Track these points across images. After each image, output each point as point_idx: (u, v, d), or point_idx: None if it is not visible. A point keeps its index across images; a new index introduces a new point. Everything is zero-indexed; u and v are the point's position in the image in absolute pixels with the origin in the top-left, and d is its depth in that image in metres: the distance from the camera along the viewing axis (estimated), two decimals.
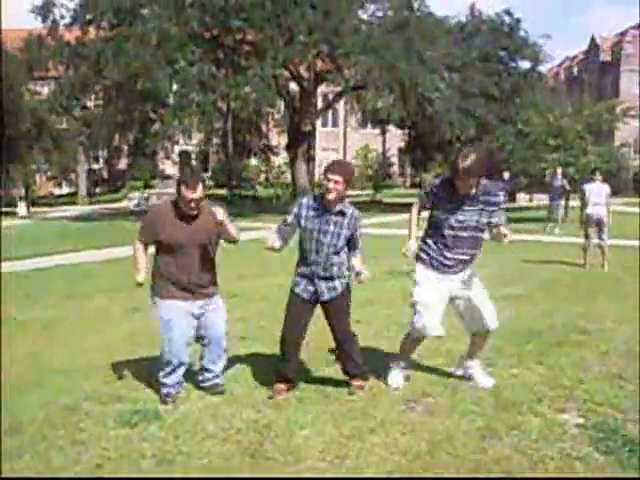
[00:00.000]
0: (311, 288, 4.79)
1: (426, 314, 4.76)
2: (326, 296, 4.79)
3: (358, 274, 4.75)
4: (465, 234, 4.67)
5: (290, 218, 4.79)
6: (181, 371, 4.83)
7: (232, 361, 5.53)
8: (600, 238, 11.28)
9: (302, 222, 4.74)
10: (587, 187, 11.67)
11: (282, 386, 4.86)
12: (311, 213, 4.73)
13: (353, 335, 4.97)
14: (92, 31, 27.59)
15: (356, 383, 4.90)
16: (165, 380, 4.81)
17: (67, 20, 27.86)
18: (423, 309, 4.77)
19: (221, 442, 4.07)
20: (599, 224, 11.30)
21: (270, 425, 4.30)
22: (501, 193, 4.72)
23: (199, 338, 4.92)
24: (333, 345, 5.06)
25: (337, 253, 4.74)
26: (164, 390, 4.81)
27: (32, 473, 3.73)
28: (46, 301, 8.90)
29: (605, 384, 4.91)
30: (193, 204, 4.58)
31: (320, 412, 4.50)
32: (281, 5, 24.33)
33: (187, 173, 4.82)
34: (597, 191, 11.47)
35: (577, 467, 3.66)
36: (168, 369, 4.79)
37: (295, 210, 4.78)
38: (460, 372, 5.17)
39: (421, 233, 4.92)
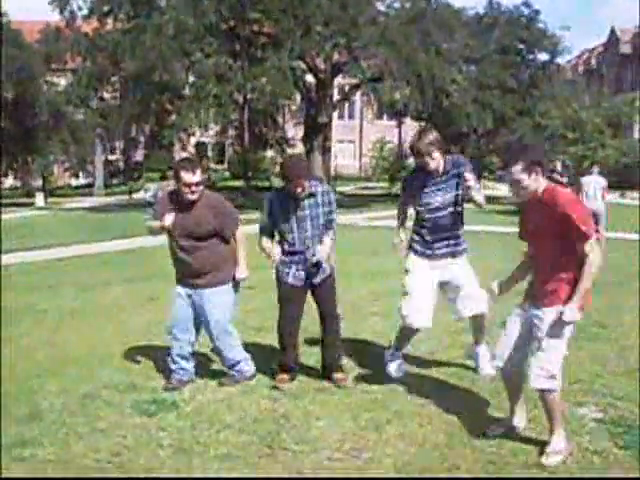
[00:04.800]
0: (302, 274, 4.83)
1: (415, 305, 4.77)
2: (318, 279, 4.84)
3: (313, 255, 4.75)
4: (444, 213, 4.71)
5: (265, 218, 4.85)
6: (182, 357, 4.89)
7: (248, 352, 5.55)
8: (596, 231, 11.35)
9: (277, 216, 4.79)
10: (584, 180, 11.77)
11: (285, 376, 4.92)
12: (282, 206, 4.77)
13: (339, 318, 5.03)
14: (109, 22, 27.62)
15: (339, 376, 4.91)
16: (172, 366, 4.91)
17: (84, 12, 27.93)
18: (413, 300, 4.78)
19: (238, 432, 4.10)
20: (595, 217, 11.43)
21: (287, 415, 4.32)
22: (466, 160, 4.81)
23: (204, 329, 4.98)
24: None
25: (321, 234, 4.81)
26: (177, 376, 4.90)
27: (52, 459, 3.78)
28: (64, 291, 8.97)
29: (624, 378, 4.87)
30: (193, 188, 4.60)
31: (337, 403, 4.52)
32: None
33: (185, 159, 4.86)
34: (594, 184, 11.60)
35: (595, 461, 3.64)
36: (172, 354, 4.89)
37: (267, 208, 4.83)
38: (467, 357, 5.18)
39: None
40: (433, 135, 4.59)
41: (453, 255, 4.81)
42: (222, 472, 3.62)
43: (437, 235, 4.76)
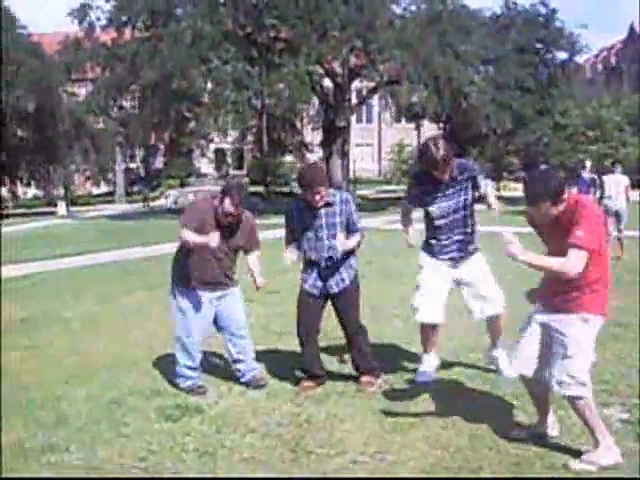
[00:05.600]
0: (319, 283, 4.85)
1: (427, 300, 4.78)
2: (335, 289, 4.84)
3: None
4: (455, 217, 4.73)
5: (285, 227, 4.96)
6: (199, 359, 4.97)
7: (272, 356, 5.59)
8: (617, 230, 11.27)
9: (295, 224, 4.86)
10: (606, 179, 11.72)
11: (310, 383, 4.92)
12: (299, 215, 4.82)
13: (362, 328, 5.00)
14: (127, 32, 27.90)
15: (365, 379, 4.91)
16: (188, 372, 4.95)
17: (103, 22, 28.23)
18: (423, 294, 4.80)
19: (262, 436, 4.12)
20: (617, 216, 11.34)
21: (310, 419, 4.33)
22: (473, 163, 4.86)
23: (220, 330, 5.03)
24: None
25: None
26: (188, 383, 4.94)
27: (79, 465, 3.82)
28: (88, 298, 9.05)
29: None
30: (230, 218, 4.69)
31: (360, 406, 4.52)
32: (314, 1, 24.30)
33: (235, 186, 4.81)
34: (615, 183, 11.56)
35: (622, 462, 3.60)
36: (188, 359, 4.93)
37: (286, 218, 4.95)
38: (487, 361, 5.16)
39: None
40: (446, 145, 4.55)
41: (465, 257, 4.82)
42: (247, 476, 3.63)
43: (447, 239, 4.79)
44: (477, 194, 4.74)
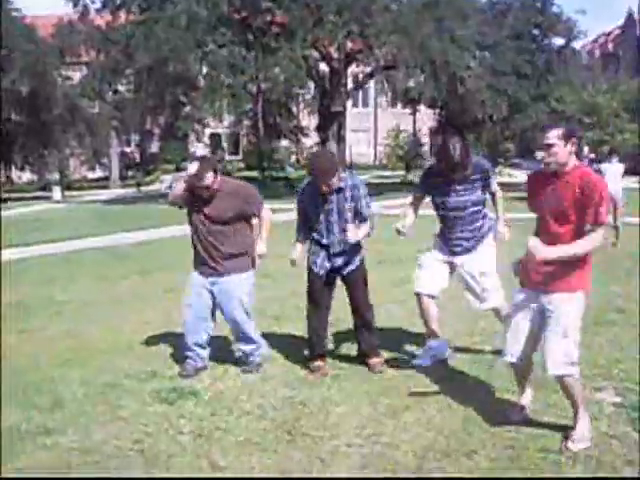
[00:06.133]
0: (328, 265, 4.87)
1: (424, 273, 4.82)
2: (345, 270, 4.89)
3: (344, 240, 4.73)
4: (464, 213, 4.74)
5: (298, 211, 4.96)
6: (193, 341, 4.93)
7: (267, 340, 5.59)
8: (613, 217, 11.33)
9: (306, 208, 4.86)
10: (604, 167, 11.75)
11: (319, 363, 4.95)
12: (311, 198, 4.82)
13: (371, 307, 5.07)
14: (122, 15, 27.68)
15: (373, 360, 4.95)
16: (187, 352, 4.98)
17: (97, 5, 28.04)
18: (423, 267, 4.85)
19: (257, 419, 4.14)
20: (613, 201, 11.40)
21: (305, 402, 4.35)
22: (487, 162, 4.87)
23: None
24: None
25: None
26: (188, 362, 4.97)
27: (75, 447, 3.83)
28: (82, 282, 9.04)
29: None
30: (199, 186, 4.64)
31: (355, 390, 4.55)
32: None
33: (202, 158, 4.78)
34: (613, 171, 11.60)
35: (614, 445, 3.64)
36: (185, 339, 4.96)
37: (297, 202, 4.94)
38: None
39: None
40: (462, 146, 4.55)
41: (469, 251, 4.82)
42: (242, 458, 3.65)
43: (452, 233, 4.81)
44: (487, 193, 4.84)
